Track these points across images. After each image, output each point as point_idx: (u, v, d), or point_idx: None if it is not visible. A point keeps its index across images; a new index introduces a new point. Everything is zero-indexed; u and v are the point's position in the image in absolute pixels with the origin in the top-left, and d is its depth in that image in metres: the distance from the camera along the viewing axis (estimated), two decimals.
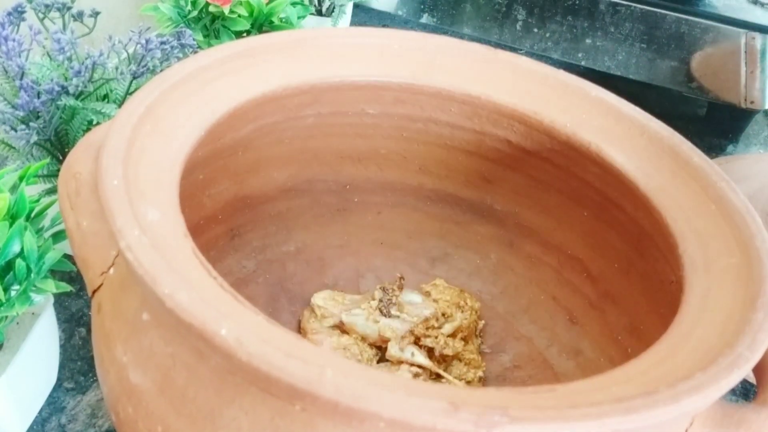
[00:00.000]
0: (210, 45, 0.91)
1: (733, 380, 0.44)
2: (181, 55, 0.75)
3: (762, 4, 1.15)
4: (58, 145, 0.73)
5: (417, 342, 0.69)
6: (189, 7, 0.92)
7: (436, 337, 0.69)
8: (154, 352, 0.46)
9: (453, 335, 0.71)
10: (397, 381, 0.40)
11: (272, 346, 0.39)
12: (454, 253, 0.79)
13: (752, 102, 1.11)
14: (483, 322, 0.76)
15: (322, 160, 0.75)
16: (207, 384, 0.44)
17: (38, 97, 0.67)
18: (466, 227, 0.76)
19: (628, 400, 0.41)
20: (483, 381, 0.71)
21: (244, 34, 0.95)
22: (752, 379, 0.79)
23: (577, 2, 1.16)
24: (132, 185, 0.48)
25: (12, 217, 0.59)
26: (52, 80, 0.68)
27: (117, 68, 0.73)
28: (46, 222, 0.64)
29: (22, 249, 0.58)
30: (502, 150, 0.72)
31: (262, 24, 0.95)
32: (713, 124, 1.29)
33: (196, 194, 0.67)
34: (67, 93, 0.69)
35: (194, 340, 0.43)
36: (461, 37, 0.86)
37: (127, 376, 0.47)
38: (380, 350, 0.70)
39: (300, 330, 0.72)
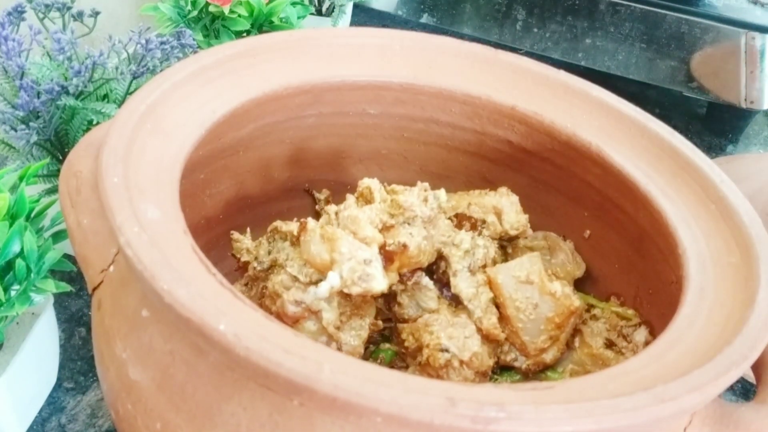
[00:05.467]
0: (210, 45, 0.91)
1: (731, 378, 0.44)
2: (181, 55, 0.75)
3: (762, 4, 1.15)
4: (58, 145, 0.73)
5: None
6: (189, 7, 0.93)
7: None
8: (154, 348, 0.46)
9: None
10: (394, 376, 0.40)
11: (270, 341, 0.39)
12: None
13: (752, 102, 1.11)
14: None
15: (323, 160, 0.75)
16: (206, 380, 0.44)
17: (38, 97, 0.67)
18: None
19: (625, 397, 0.41)
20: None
21: (244, 34, 0.95)
22: (752, 379, 0.79)
23: (577, 2, 1.16)
24: (132, 183, 0.48)
25: (12, 217, 0.59)
26: (52, 80, 0.68)
27: (117, 68, 0.73)
28: (46, 222, 0.64)
29: (22, 249, 0.58)
30: (502, 150, 0.72)
31: (262, 24, 0.95)
32: (713, 124, 1.29)
33: (197, 194, 0.67)
34: (67, 93, 0.69)
35: (193, 336, 0.43)
36: (461, 37, 0.86)
37: (126, 373, 0.47)
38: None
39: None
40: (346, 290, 0.55)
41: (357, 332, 0.59)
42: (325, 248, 0.56)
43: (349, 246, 0.56)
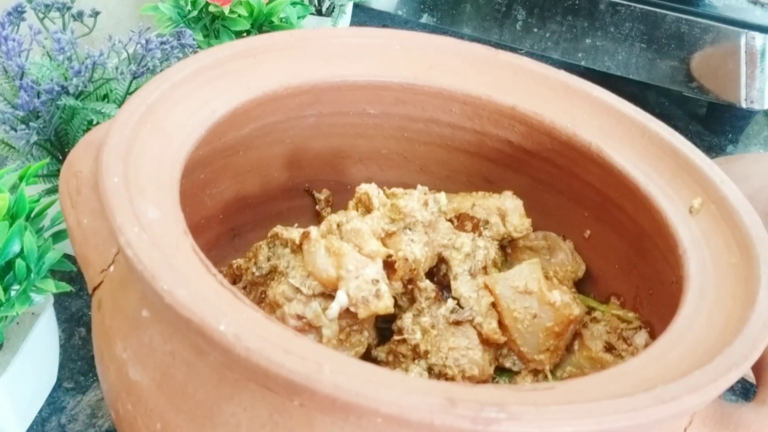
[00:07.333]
0: (210, 45, 0.91)
1: (731, 379, 0.44)
2: (181, 55, 0.75)
3: (762, 4, 1.15)
4: (58, 145, 0.73)
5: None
6: (189, 7, 0.92)
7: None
8: (154, 348, 0.46)
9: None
10: (394, 377, 0.40)
11: (270, 342, 0.39)
12: None
13: (752, 102, 1.11)
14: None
15: (323, 160, 0.75)
16: (206, 380, 0.44)
17: (38, 97, 0.67)
18: None
19: (626, 397, 0.41)
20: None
21: (244, 34, 0.95)
22: (752, 379, 0.78)
23: (577, 2, 1.16)
24: (132, 183, 0.48)
25: (12, 217, 0.59)
26: (52, 80, 0.68)
27: (117, 68, 0.73)
28: (46, 222, 0.64)
29: (22, 249, 0.58)
30: (503, 150, 0.72)
31: (262, 24, 0.95)
32: (713, 124, 1.29)
33: (197, 193, 0.67)
34: (67, 93, 0.69)
35: (193, 336, 0.43)
36: (461, 37, 0.86)
37: (126, 373, 0.47)
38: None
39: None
40: (352, 308, 0.55)
41: (355, 348, 0.59)
42: (331, 263, 0.56)
43: (355, 263, 0.56)
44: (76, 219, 0.54)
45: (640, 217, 0.63)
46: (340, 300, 0.55)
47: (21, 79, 0.67)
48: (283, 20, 0.97)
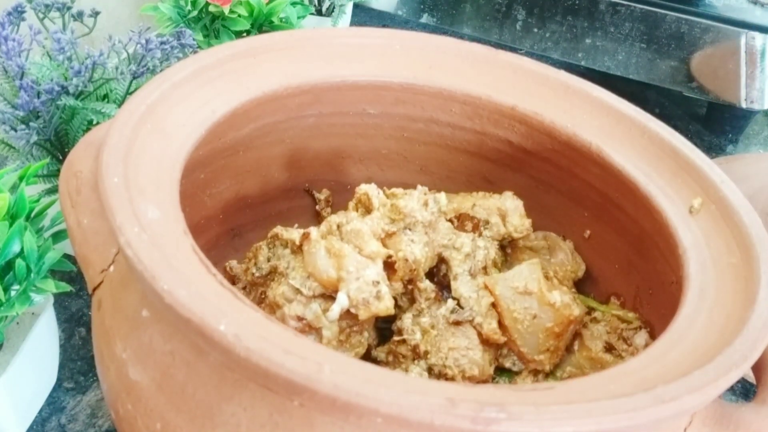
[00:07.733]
0: (210, 45, 0.91)
1: (731, 379, 0.44)
2: (181, 55, 0.75)
3: (762, 4, 1.15)
4: (58, 145, 0.73)
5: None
6: (189, 7, 0.92)
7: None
8: (154, 348, 0.46)
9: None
10: (394, 377, 0.40)
11: (270, 342, 0.39)
12: None
13: (752, 102, 1.11)
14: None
15: (323, 160, 0.75)
16: (206, 380, 0.44)
17: (38, 97, 0.67)
18: None
19: (626, 397, 0.41)
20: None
21: (244, 34, 0.95)
22: (752, 379, 0.78)
23: (577, 2, 1.16)
24: (132, 183, 0.48)
25: (12, 217, 0.59)
26: (52, 80, 0.68)
27: (117, 68, 0.73)
28: (46, 222, 0.64)
29: (22, 249, 0.58)
30: (503, 150, 0.72)
31: (262, 24, 0.95)
32: (713, 124, 1.29)
33: (197, 193, 0.67)
34: (67, 93, 0.69)
35: (193, 336, 0.43)
36: (461, 37, 0.86)
37: (126, 373, 0.47)
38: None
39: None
40: (353, 310, 0.55)
41: (355, 349, 0.59)
42: (331, 264, 0.56)
43: (356, 264, 0.56)
44: (76, 219, 0.54)
45: (640, 217, 0.63)
46: (341, 301, 0.55)
47: (21, 79, 0.67)
48: (283, 20, 0.97)
